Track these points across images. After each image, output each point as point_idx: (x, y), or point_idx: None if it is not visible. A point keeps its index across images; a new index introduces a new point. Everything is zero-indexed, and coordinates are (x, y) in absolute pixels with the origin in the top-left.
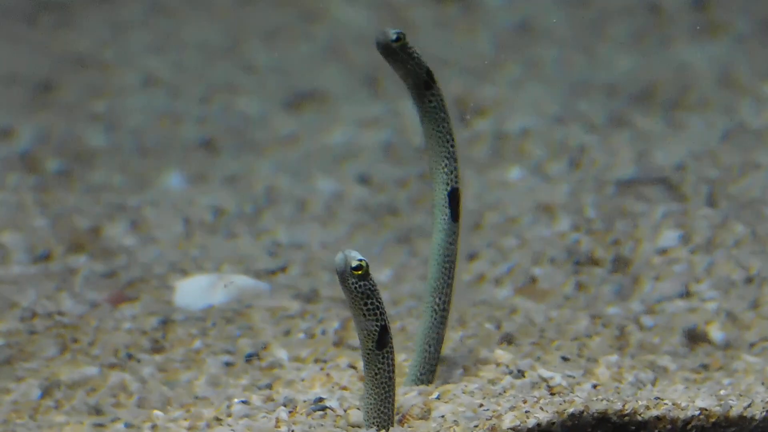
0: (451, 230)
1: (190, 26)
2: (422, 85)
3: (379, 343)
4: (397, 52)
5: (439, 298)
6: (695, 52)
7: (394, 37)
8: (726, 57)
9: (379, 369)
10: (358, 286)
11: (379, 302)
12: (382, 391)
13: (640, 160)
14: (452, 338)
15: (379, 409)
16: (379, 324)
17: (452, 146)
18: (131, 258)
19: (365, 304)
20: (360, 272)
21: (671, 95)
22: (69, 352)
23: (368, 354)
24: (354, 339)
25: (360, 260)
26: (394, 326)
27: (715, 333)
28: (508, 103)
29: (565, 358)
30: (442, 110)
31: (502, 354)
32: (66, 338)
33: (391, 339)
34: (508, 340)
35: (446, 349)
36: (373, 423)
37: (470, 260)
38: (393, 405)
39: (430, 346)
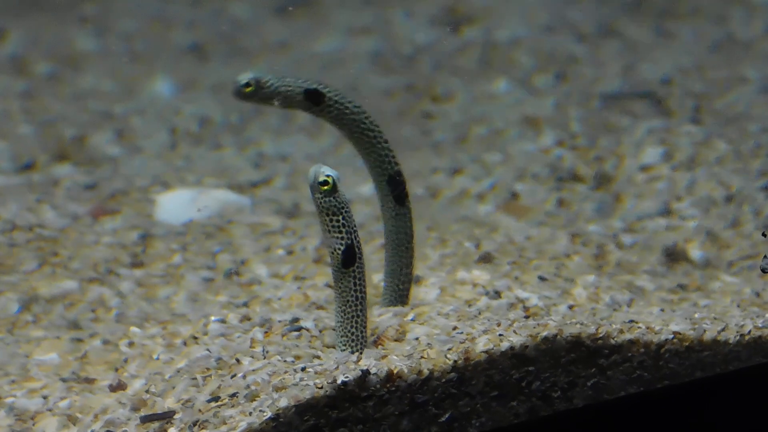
0: (400, 215)
1: None
2: (311, 106)
3: (345, 262)
4: (255, 95)
5: (399, 280)
6: None
7: (243, 83)
8: None
9: (346, 287)
10: (324, 201)
11: (347, 220)
12: (351, 310)
13: (627, 73)
14: (431, 257)
15: (348, 329)
16: (344, 242)
17: (376, 137)
18: (115, 168)
19: (330, 221)
20: (326, 188)
21: (663, 3)
22: (48, 265)
23: (336, 272)
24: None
25: (327, 175)
26: (374, 243)
27: (695, 252)
28: (498, 11)
29: (542, 278)
30: (349, 111)
31: (480, 274)
32: (46, 252)
33: (360, 258)
34: (487, 259)
35: (424, 268)
36: (343, 342)
37: (454, 174)
38: (364, 325)
39: (400, 279)
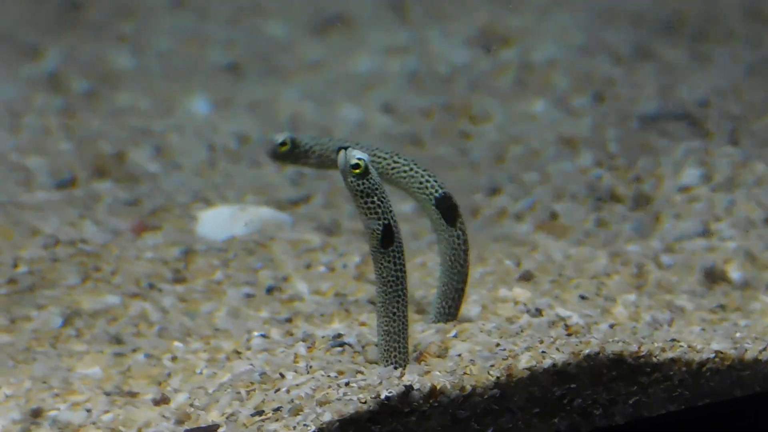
0: (452, 236)
1: None
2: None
3: (384, 242)
4: (290, 155)
5: (450, 297)
6: None
7: (279, 141)
8: None
9: (385, 268)
10: (357, 184)
11: (382, 201)
12: (390, 290)
13: (664, 94)
14: (472, 275)
15: (388, 309)
16: (381, 222)
17: (410, 168)
18: (155, 185)
19: (365, 203)
20: (358, 171)
21: (698, 26)
22: (91, 280)
23: (374, 253)
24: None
25: (359, 158)
26: (414, 261)
27: (733, 272)
28: (534, 32)
29: (583, 297)
30: (379, 158)
31: (521, 292)
32: (88, 266)
33: (399, 238)
34: (527, 277)
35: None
36: (386, 352)
37: (492, 195)
38: (404, 306)
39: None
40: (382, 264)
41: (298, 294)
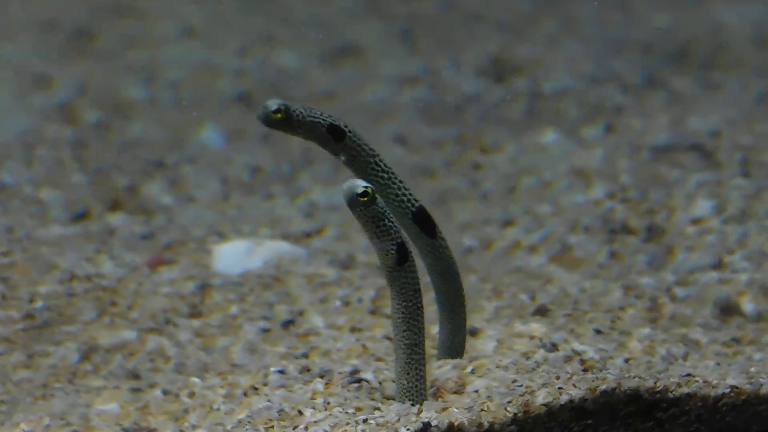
0: (435, 248)
1: None
2: (330, 141)
3: (400, 260)
4: (282, 123)
5: (457, 306)
6: (731, 11)
7: (273, 109)
8: (762, 16)
9: (403, 284)
10: (368, 211)
11: (391, 222)
12: (410, 306)
13: (675, 125)
14: (487, 309)
15: (408, 324)
16: (395, 242)
17: (390, 178)
18: (169, 218)
19: (378, 227)
20: (366, 198)
21: (707, 55)
22: (107, 315)
23: (390, 273)
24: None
25: (365, 186)
26: (430, 295)
27: (747, 305)
28: (545, 62)
29: (598, 331)
30: (365, 153)
31: (537, 327)
32: (105, 301)
33: (411, 255)
34: (543, 311)
35: (481, 321)
36: (404, 388)
37: (505, 226)
38: (422, 320)
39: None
40: (400, 282)
41: (314, 329)
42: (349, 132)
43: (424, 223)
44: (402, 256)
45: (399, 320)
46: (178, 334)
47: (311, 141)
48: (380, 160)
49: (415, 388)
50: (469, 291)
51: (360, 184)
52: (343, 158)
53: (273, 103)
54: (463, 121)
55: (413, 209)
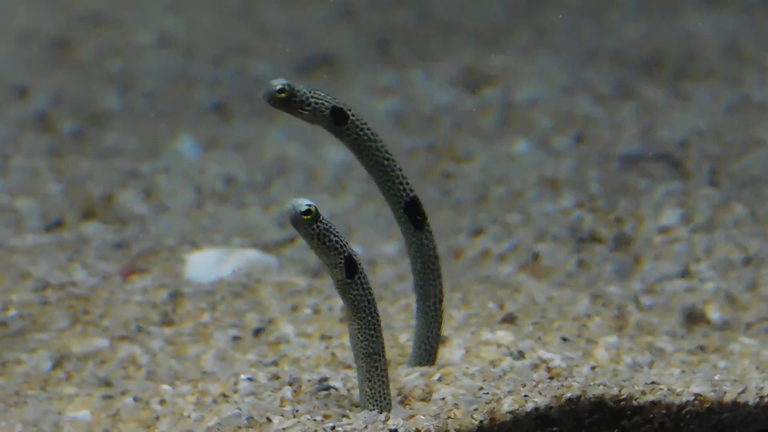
0: (420, 239)
1: None
2: (333, 124)
3: (348, 272)
4: (285, 103)
5: (431, 301)
6: (702, 22)
7: (278, 88)
8: (733, 27)
9: (356, 296)
10: (313, 229)
11: (338, 237)
12: (365, 317)
13: (645, 135)
14: (455, 317)
15: (365, 334)
16: (343, 255)
17: (390, 165)
18: (143, 227)
19: (324, 243)
20: (310, 216)
21: (678, 65)
22: (80, 323)
23: (342, 287)
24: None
25: (308, 205)
26: (399, 303)
27: (713, 314)
28: (517, 72)
29: (565, 339)
30: (366, 138)
31: (504, 335)
32: (77, 310)
33: (361, 267)
34: (510, 320)
35: (449, 329)
36: (359, 348)
37: (475, 235)
38: (379, 329)
39: (428, 340)
40: (351, 294)
41: (285, 336)
42: (353, 115)
43: (413, 213)
44: (351, 269)
45: (355, 331)
46: (149, 342)
47: (314, 123)
48: (382, 146)
49: (379, 395)
50: None
51: (303, 203)
52: (345, 141)
53: (277, 83)
54: (436, 131)
55: (407, 199)
